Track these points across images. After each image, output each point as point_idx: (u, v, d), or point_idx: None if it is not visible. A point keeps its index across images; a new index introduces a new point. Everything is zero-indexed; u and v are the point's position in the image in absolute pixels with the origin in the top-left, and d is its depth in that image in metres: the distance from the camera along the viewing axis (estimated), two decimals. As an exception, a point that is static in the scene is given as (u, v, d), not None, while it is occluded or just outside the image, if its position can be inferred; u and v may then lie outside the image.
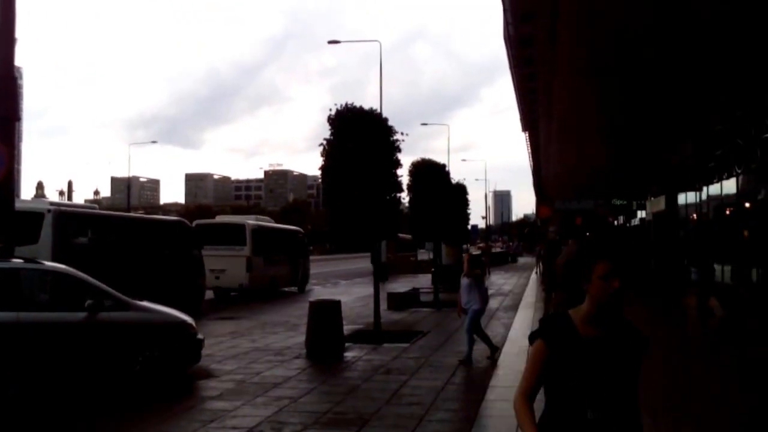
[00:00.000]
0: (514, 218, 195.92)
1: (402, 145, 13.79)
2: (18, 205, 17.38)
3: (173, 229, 19.41)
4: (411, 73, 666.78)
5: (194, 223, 25.47)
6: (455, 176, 28.54)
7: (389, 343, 13.28)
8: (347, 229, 12.88)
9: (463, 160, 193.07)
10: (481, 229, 79.68)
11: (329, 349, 11.68)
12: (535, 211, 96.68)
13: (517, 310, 19.96)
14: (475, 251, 23.21)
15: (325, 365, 11.03)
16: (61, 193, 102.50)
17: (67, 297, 9.08)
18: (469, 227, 56.05)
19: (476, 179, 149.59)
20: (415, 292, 23.13)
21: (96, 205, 25.99)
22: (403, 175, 14.53)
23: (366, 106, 13.55)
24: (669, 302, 21.41)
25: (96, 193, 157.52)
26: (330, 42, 31.73)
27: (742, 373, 10.33)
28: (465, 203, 26.66)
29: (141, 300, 9.80)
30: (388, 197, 13.42)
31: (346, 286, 32.36)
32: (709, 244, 18.19)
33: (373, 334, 13.94)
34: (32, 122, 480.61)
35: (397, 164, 13.90)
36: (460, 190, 26.46)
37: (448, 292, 23.97)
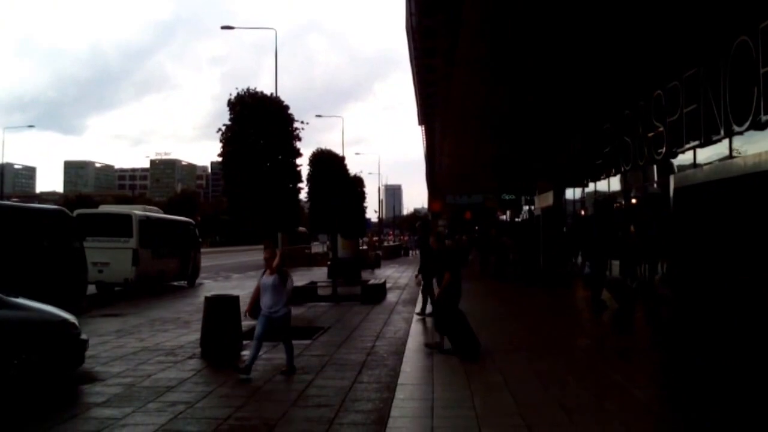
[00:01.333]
0: (405, 212, 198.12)
1: (299, 136, 13.29)
2: None
3: (51, 218, 17.95)
4: (305, 65, 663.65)
5: (75, 213, 23.85)
6: (351, 169, 28.07)
7: (289, 340, 12.69)
8: (248, 217, 12.21)
9: (357, 153, 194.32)
10: (374, 222, 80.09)
11: (226, 349, 10.98)
12: (426, 206, 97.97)
13: (416, 304, 19.77)
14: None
15: (223, 366, 10.35)
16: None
17: None
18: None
19: (369, 173, 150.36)
20: (312, 285, 22.60)
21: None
22: (302, 165, 13.94)
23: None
24: (560, 295, 21.87)
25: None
26: (223, 27, 30.54)
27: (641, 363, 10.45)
28: (362, 196, 26.37)
29: (15, 296, 8.80)
30: (288, 186, 12.85)
31: (240, 279, 31.37)
32: (604, 239, 18.63)
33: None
34: None
35: (297, 153, 13.36)
36: (358, 182, 26.16)
37: (346, 285, 23.60)
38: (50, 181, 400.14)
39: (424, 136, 36.48)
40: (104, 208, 27.34)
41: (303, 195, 15.81)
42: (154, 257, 23.63)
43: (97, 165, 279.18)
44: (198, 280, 28.57)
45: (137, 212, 23.78)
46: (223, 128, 12.22)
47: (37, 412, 7.62)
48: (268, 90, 12.97)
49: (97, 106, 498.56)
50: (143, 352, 11.48)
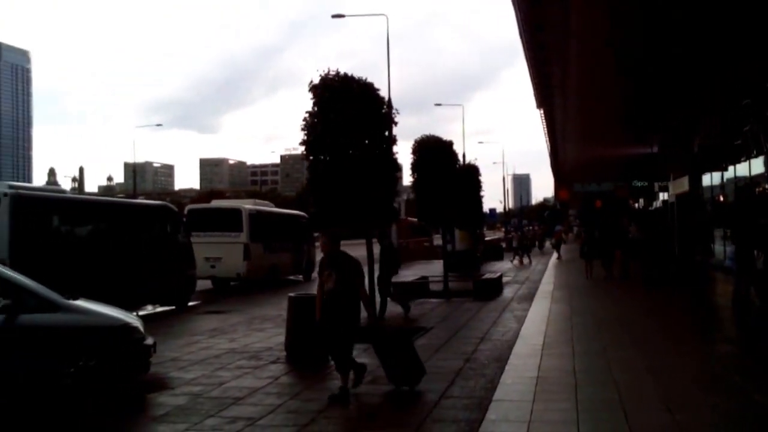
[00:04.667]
0: (533, 202, 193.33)
1: (418, 128, 12.26)
2: (-30, 189, 16.18)
3: (157, 214, 17.90)
4: (429, 56, 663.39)
5: (187, 209, 24.08)
6: (471, 159, 26.69)
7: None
8: (334, 213, 11.28)
9: (480, 142, 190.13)
10: (500, 213, 77.89)
11: (312, 353, 10.10)
12: (554, 195, 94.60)
13: (533, 300, 18.33)
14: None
15: (305, 372, 9.50)
16: (74, 180, 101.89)
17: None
18: (487, 211, 54.42)
19: (494, 162, 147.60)
20: (423, 281, 21.52)
21: (64, 188, 24.57)
22: (398, 153, 12.87)
23: (383, 88, 12.09)
24: (698, 291, 19.67)
25: (110, 179, 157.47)
26: (334, 16, 30.00)
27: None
28: (477, 185, 25.00)
29: (73, 298, 8.22)
30: (382, 177, 11.80)
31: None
32: (747, 228, 16.42)
33: (368, 332, 12.38)
34: (44, 107, 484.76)
35: (391, 140, 12.31)
36: (472, 171, 24.81)
37: (462, 280, 22.38)
38: (188, 178, 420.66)
39: (544, 120, 34.52)
40: (215, 203, 27.44)
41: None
42: (265, 251, 23.34)
43: (231, 162, 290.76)
44: (314, 274, 28.23)
45: (247, 206, 23.59)
46: (306, 115, 11.32)
47: (83, 426, 7.01)
48: (392, 81, 12.13)
49: (231, 105, 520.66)
50: (227, 355, 10.82)
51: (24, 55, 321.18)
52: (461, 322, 14.33)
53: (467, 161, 26.32)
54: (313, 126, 11.20)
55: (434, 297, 19.40)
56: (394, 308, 16.12)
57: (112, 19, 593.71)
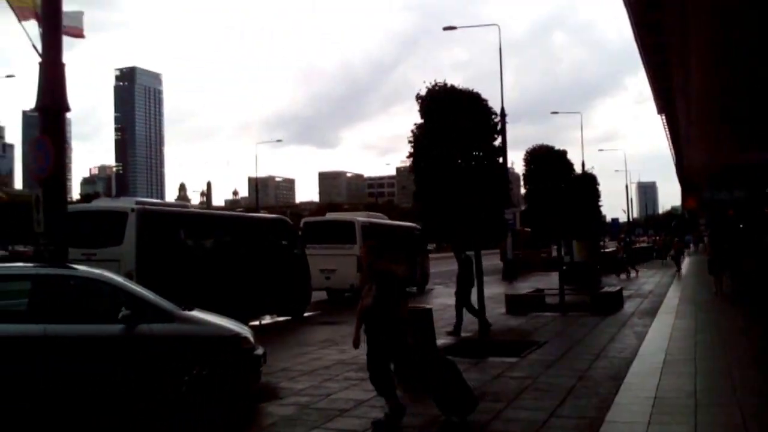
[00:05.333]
0: (660, 211, 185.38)
1: (535, 137, 12.08)
2: (101, 205, 17.15)
3: (274, 227, 18.43)
4: (546, 62, 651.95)
5: (302, 221, 24.65)
6: (590, 167, 25.99)
7: (495, 357, 11.47)
8: (442, 226, 11.20)
9: (600, 150, 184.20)
10: (623, 223, 75.09)
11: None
12: (681, 203, 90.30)
13: (655, 315, 17.50)
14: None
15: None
16: (202, 194, 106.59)
17: (102, 307, 8.03)
18: (610, 221, 52.53)
19: (616, 170, 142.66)
20: (539, 293, 21.01)
21: (187, 203, 25.67)
22: (514, 162, 12.61)
23: (496, 97, 12.02)
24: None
25: (235, 193, 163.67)
26: (446, 28, 30.03)
27: None
28: (595, 195, 24.25)
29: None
30: (491, 188, 11.62)
31: (470, 285, 30.53)
32: None
33: (477, 346, 12.22)
34: (176, 126, 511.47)
35: (500, 150, 12.12)
36: (589, 180, 24.12)
37: (579, 293, 21.71)
38: (308, 191, 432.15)
39: (666, 126, 33.05)
40: (329, 216, 27.93)
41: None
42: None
43: (348, 175, 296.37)
44: (428, 286, 28.18)
45: (360, 219, 23.88)
46: (414, 128, 11.32)
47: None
48: (509, 90, 12.00)
49: (349, 119, 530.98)
50: (336, 366, 10.94)
51: (156, 77, 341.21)
52: (576, 338, 13.87)
53: (586, 169, 25.63)
54: (420, 138, 11.20)
55: (549, 311, 18.88)
56: (505, 322, 15.86)
57: (237, 41, 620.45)
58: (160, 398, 7.85)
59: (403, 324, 7.44)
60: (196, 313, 8.54)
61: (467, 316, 14.58)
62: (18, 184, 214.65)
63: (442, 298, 22.89)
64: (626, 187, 75.11)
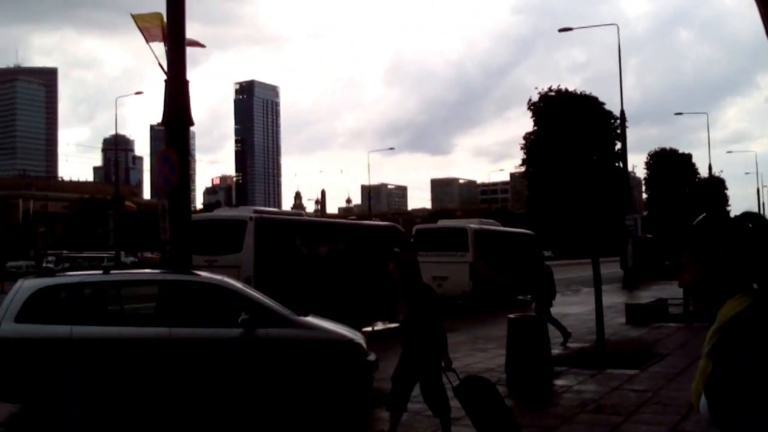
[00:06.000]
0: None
1: (658, 140, 11.68)
2: (222, 214, 17.87)
3: (385, 234, 18.62)
4: (669, 61, 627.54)
5: (414, 228, 24.75)
6: (717, 171, 24.78)
7: (614, 369, 11.12)
8: (557, 233, 10.99)
9: (729, 152, 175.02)
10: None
11: (532, 376, 9.88)
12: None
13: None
14: None
15: (524, 395, 9.30)
16: (317, 202, 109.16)
17: (222, 311, 8.36)
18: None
19: (746, 173, 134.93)
20: (661, 303, 20.16)
21: (302, 212, 26.26)
22: (635, 166, 12.21)
23: (615, 99, 11.77)
24: None
25: (348, 201, 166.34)
26: (561, 30, 29.45)
27: None
28: (723, 199, 23.11)
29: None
30: (608, 194, 11.29)
31: (588, 294, 29.65)
32: None
33: (596, 356, 11.87)
34: (292, 137, 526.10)
35: (622, 155, 11.76)
36: (716, 184, 23.01)
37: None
38: (420, 199, 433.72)
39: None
40: (442, 223, 27.92)
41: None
42: (491, 270, 23.29)
43: (461, 181, 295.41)
44: (543, 294, 27.62)
45: (472, 226, 23.74)
46: (526, 133, 11.16)
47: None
48: (628, 91, 11.70)
49: (462, 125, 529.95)
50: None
51: (273, 90, 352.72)
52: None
53: (713, 173, 24.47)
54: (533, 144, 11.04)
55: (673, 321, 18.10)
56: (625, 332, 15.34)
57: (348, 50, 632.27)
58: (276, 401, 8.09)
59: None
60: (311, 319, 8.75)
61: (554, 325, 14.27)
62: (146, 194, 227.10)
63: (557, 307, 22.36)
64: (758, 190, 71.18)
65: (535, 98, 11.17)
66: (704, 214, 2.53)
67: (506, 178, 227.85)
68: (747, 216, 2.40)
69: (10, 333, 7.88)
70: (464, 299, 22.74)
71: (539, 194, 11.09)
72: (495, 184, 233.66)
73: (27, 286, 8.38)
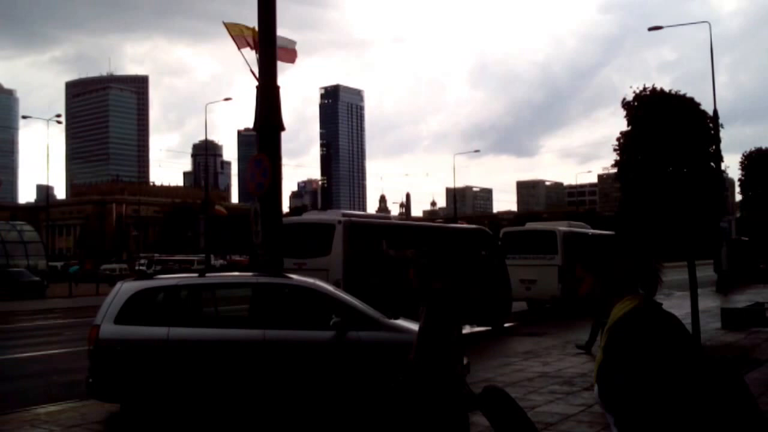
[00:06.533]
0: None
1: (753, 139, 11.23)
2: (311, 217, 18.12)
3: (473, 237, 18.48)
4: (766, 58, 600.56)
5: (502, 231, 24.47)
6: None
7: (713, 375, 10.69)
8: (650, 236, 10.63)
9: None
10: None
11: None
12: None
13: None
14: None
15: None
16: (401, 205, 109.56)
17: (314, 314, 8.46)
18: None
19: None
20: (758, 307, 19.29)
21: (390, 215, 26.31)
22: (729, 167, 11.74)
23: (708, 98, 11.36)
24: None
25: (433, 204, 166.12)
26: (651, 28, 28.56)
27: None
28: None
29: (394, 317, 8.81)
30: (704, 196, 10.87)
31: (681, 297, 28.64)
32: None
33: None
34: (376, 140, 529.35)
35: (714, 157, 11.31)
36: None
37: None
38: (505, 201, 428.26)
39: None
40: (529, 226, 27.49)
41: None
42: (581, 274, 22.77)
43: (547, 183, 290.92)
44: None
45: (561, 228, 23.29)
46: (620, 136, 10.85)
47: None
48: (721, 90, 11.38)
49: (548, 126, 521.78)
50: (540, 379, 10.72)
51: (358, 94, 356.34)
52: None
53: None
54: (627, 146, 10.73)
55: (771, 326, 17.28)
56: (721, 337, 14.75)
57: (433, 52, 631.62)
58: (367, 403, 8.14)
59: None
60: (401, 322, 8.76)
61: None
62: (234, 198, 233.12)
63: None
64: None
65: (630, 97, 10.85)
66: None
67: (594, 179, 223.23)
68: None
69: (110, 334, 8.19)
70: (553, 303, 22.34)
71: (633, 196, 10.77)
72: (582, 186, 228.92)
73: (125, 288, 8.68)
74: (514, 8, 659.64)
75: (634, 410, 2.34)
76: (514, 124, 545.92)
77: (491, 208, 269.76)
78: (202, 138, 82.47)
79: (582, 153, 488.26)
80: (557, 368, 11.73)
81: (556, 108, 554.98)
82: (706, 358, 2.45)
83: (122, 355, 8.12)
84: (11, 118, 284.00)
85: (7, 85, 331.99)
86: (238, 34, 11.25)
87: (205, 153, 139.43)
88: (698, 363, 2.41)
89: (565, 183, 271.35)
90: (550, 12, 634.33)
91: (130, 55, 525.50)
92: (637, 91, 10.87)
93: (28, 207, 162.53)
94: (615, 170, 11.45)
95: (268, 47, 10.11)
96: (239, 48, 11.11)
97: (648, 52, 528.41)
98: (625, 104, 10.85)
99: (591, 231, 26.98)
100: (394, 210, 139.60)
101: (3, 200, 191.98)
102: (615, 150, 10.95)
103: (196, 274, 9.19)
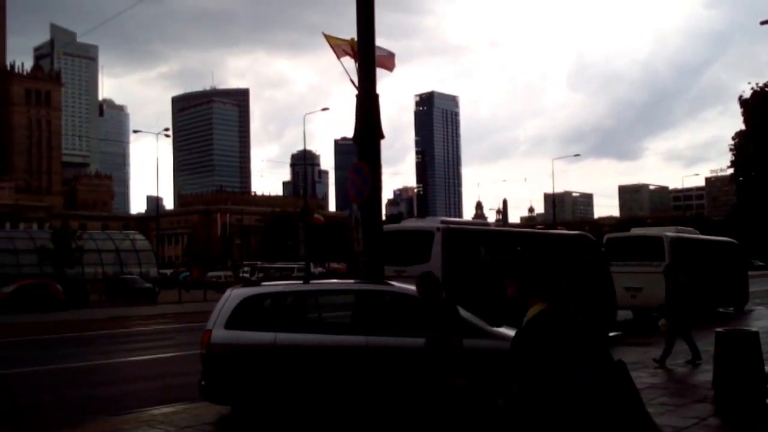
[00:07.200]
0: None
1: None
2: (409, 225, 18.17)
3: (575, 243, 18.08)
4: None
5: (606, 237, 23.89)
6: None
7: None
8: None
9: None
10: None
11: (743, 394, 9.14)
12: None
13: None
14: None
15: (734, 415, 8.62)
16: (498, 212, 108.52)
17: (416, 321, 8.47)
18: None
19: None
20: None
21: (488, 221, 25.96)
22: None
23: None
24: None
25: (530, 210, 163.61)
26: (763, 22, 27.22)
27: None
28: None
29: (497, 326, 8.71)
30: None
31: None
32: None
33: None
34: (472, 146, 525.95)
35: None
36: None
37: None
38: (606, 206, 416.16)
39: None
40: (635, 231, 26.65)
41: None
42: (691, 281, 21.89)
43: (651, 188, 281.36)
44: (748, 306, 25.60)
45: (669, 234, 22.46)
46: (734, 134, 10.37)
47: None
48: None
49: (651, 128, 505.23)
50: (649, 390, 10.35)
51: (453, 100, 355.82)
52: None
53: None
54: (743, 146, 10.24)
55: None
56: None
57: (529, 55, 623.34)
58: (476, 413, 8.07)
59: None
60: (506, 330, 8.66)
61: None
62: (332, 206, 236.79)
63: (765, 320, 20.69)
64: None
65: (747, 95, 10.35)
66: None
67: (701, 183, 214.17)
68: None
69: (221, 339, 8.49)
70: (660, 312, 21.53)
71: (751, 197, 10.25)
72: (689, 190, 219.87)
73: (235, 295, 8.98)
74: (614, 6, 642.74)
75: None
76: (616, 126, 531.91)
77: (592, 213, 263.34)
78: (301, 148, 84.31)
79: (688, 155, 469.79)
80: (665, 379, 11.34)
81: (661, 108, 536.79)
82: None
83: (232, 359, 8.39)
84: (123, 133, 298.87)
85: (118, 102, 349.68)
86: (337, 43, 11.45)
87: (304, 163, 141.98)
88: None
89: (671, 187, 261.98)
90: (652, 8, 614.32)
91: (232, 69, 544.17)
92: (756, 88, 10.36)
93: (139, 217, 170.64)
94: (727, 172, 10.99)
95: (367, 56, 10.24)
96: (339, 58, 11.30)
97: (760, 47, 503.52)
98: (743, 102, 10.37)
99: (701, 236, 25.92)
100: (491, 217, 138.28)
101: (116, 211, 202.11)
102: (731, 150, 10.51)
103: (300, 281, 9.37)
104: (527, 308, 3.23)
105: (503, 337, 8.47)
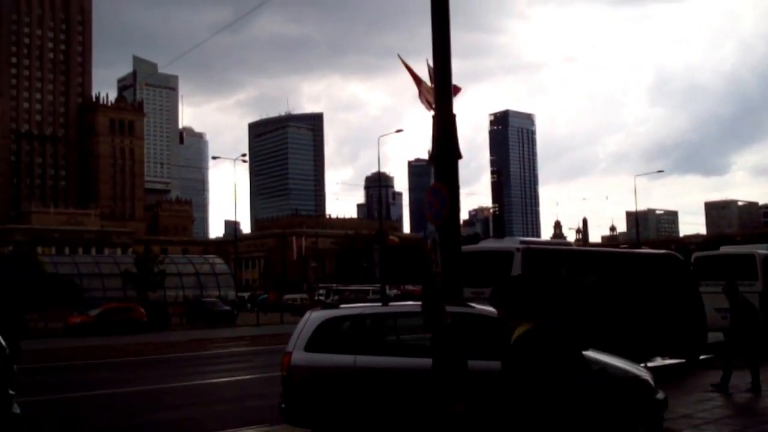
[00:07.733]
0: None
1: None
2: (488, 245, 17.86)
3: (662, 262, 17.41)
4: None
5: (694, 256, 22.98)
6: None
7: None
8: None
9: None
10: None
11: None
12: None
13: None
14: None
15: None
16: (577, 231, 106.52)
17: (497, 343, 8.21)
18: None
19: None
20: None
21: (570, 241, 25.30)
22: None
23: None
24: None
25: (612, 228, 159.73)
26: None
27: None
28: None
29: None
30: None
31: None
32: None
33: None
34: (549, 165, 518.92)
35: None
36: None
37: None
38: (692, 224, 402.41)
39: None
40: (724, 249, 25.52)
41: None
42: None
43: (740, 203, 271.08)
44: None
45: (761, 251, 21.41)
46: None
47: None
48: None
49: (739, 141, 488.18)
50: (745, 417, 9.77)
51: (528, 118, 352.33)
52: None
53: None
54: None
55: None
56: None
57: (606, 69, 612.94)
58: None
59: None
60: (591, 354, 8.30)
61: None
62: (406, 228, 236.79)
63: None
64: None
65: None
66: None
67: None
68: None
69: (301, 361, 8.45)
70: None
71: None
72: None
73: (314, 317, 8.94)
74: (694, 16, 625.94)
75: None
76: (700, 140, 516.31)
77: (677, 231, 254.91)
78: (374, 170, 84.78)
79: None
80: (764, 405, 10.68)
81: (748, 121, 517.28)
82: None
83: (312, 381, 8.34)
84: (202, 159, 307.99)
85: (197, 129, 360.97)
86: (412, 64, 11.37)
87: (378, 185, 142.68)
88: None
89: (760, 202, 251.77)
90: (735, 17, 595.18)
91: (306, 94, 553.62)
92: None
93: (217, 241, 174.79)
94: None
95: (442, 76, 10.11)
96: (415, 80, 11.21)
97: None
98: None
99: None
100: (570, 236, 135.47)
101: (196, 236, 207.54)
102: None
103: (378, 304, 9.26)
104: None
105: (592, 362, 8.13)
